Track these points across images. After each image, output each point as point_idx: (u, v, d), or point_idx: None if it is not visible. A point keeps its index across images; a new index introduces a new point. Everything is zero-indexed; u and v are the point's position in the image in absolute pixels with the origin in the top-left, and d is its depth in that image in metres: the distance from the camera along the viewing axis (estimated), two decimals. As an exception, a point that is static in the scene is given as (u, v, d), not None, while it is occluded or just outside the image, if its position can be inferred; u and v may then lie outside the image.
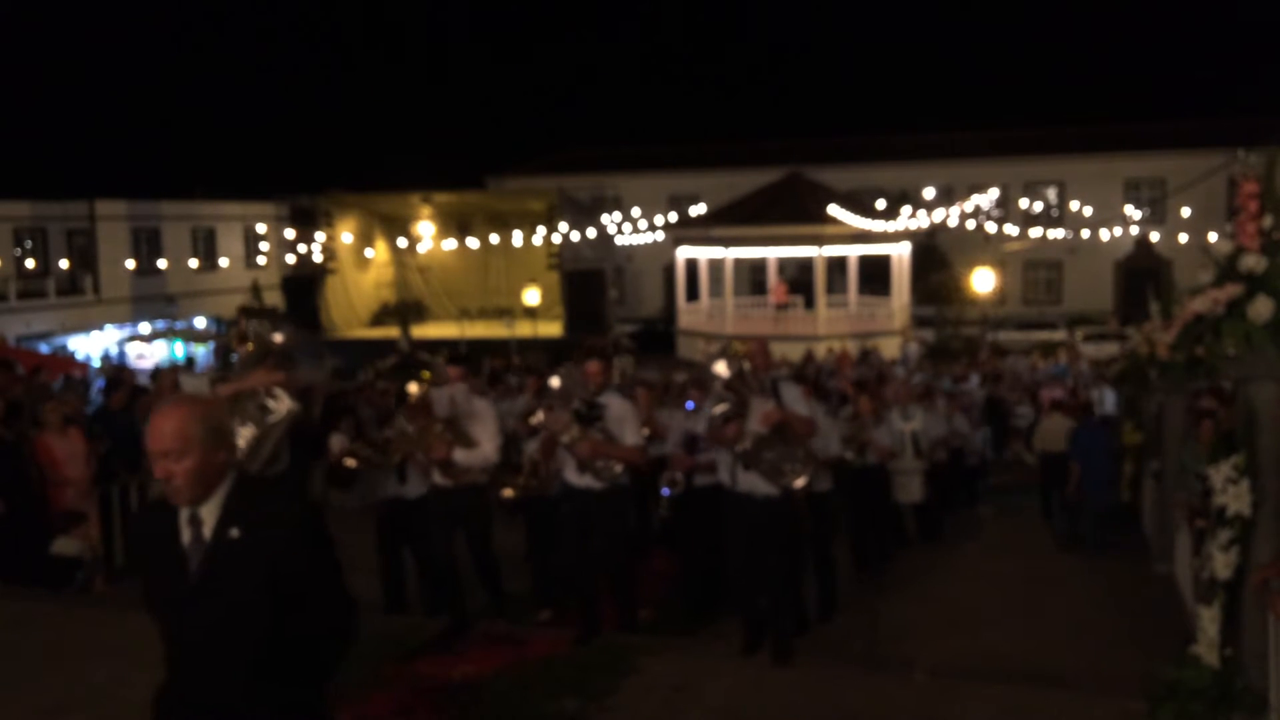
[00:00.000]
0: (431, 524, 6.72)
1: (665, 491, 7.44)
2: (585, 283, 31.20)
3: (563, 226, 30.62)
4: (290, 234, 34.75)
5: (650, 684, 5.56)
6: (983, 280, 32.11)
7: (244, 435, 5.33)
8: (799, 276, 33.91)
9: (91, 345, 31.84)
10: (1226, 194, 34.00)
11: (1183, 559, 7.79)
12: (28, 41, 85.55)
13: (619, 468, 6.34)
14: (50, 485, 8.54)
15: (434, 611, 7.00)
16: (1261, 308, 3.98)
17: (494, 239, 31.25)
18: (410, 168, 59.27)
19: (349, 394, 12.73)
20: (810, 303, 31.09)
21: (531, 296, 30.67)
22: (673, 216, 35.01)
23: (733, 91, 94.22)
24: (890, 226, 30.00)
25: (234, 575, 2.70)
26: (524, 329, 28.83)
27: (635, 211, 34.30)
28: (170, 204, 37.87)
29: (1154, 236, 35.60)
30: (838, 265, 31.95)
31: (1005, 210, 36.04)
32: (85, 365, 22.53)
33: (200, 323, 36.50)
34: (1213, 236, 27.00)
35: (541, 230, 30.33)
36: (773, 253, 32.66)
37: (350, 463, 6.95)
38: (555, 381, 6.71)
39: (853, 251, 30.41)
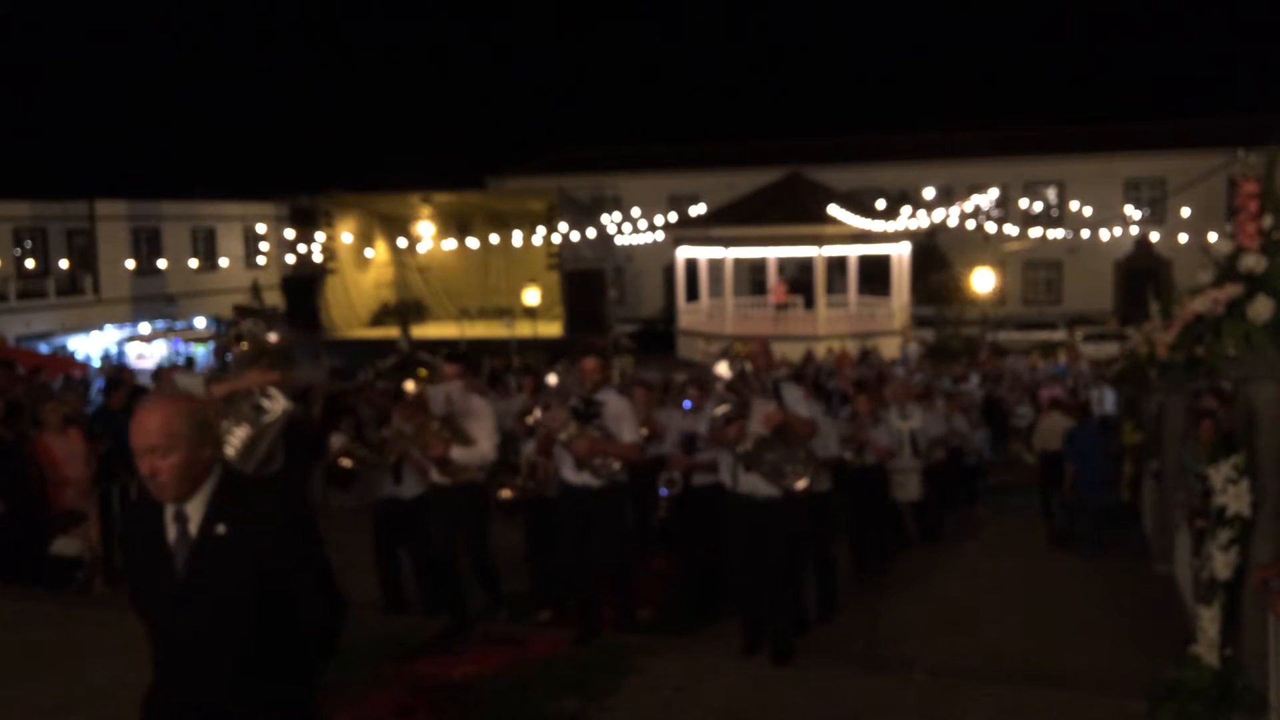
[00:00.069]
0: (430, 523, 6.72)
1: (663, 492, 7.44)
2: (585, 283, 31.18)
3: (563, 226, 30.61)
4: (290, 234, 34.72)
5: (650, 684, 5.56)
6: (983, 280, 32.12)
7: (238, 435, 5.31)
8: (799, 276, 33.93)
9: (91, 345, 31.85)
10: (1226, 194, 34.00)
11: (1183, 559, 7.79)
12: (28, 41, 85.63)
13: (617, 465, 6.34)
14: (50, 485, 8.54)
15: (434, 611, 7.00)
16: (1261, 308, 3.97)
17: (494, 239, 31.25)
18: (410, 168, 59.24)
19: (349, 394, 12.74)
20: (810, 303, 31.10)
21: (531, 296, 30.66)
22: (673, 216, 35.02)
23: (733, 91, 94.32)
24: (890, 226, 30.01)
25: (220, 572, 2.67)
26: (524, 329, 28.82)
27: (635, 211, 34.30)
28: (170, 204, 37.89)
29: (1154, 236, 35.62)
30: (838, 265, 31.96)
31: (1005, 210, 36.06)
32: (85, 365, 22.53)
33: (200, 323, 36.52)
34: (1213, 236, 26.99)
35: (541, 230, 30.32)
36: (773, 253, 32.67)
37: (346, 463, 6.95)
38: (552, 379, 6.72)
39: (853, 251, 30.41)
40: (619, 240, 34.59)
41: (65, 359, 24.48)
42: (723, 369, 6.11)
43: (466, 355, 8.31)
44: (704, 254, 32.18)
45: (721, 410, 6.06)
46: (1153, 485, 9.94)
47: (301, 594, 2.72)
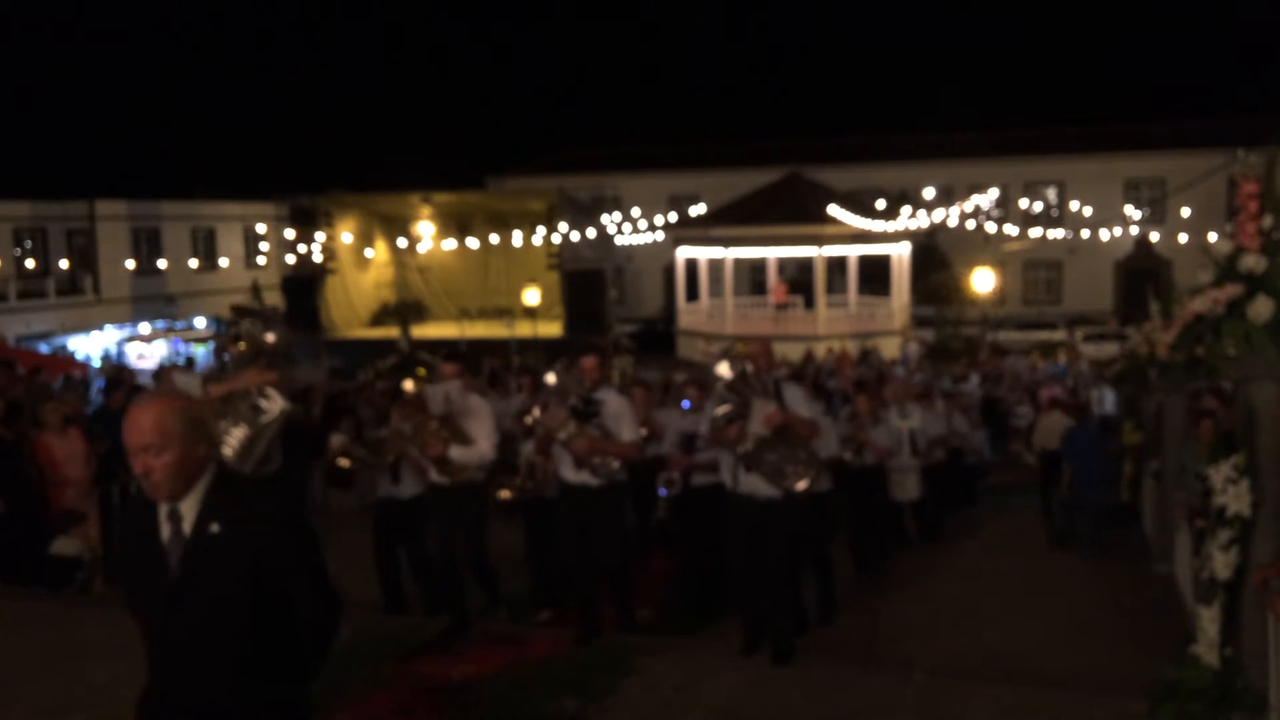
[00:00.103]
0: (430, 523, 6.72)
1: (662, 492, 7.43)
2: (585, 283, 31.17)
3: (562, 226, 30.60)
4: (290, 234, 34.69)
5: (650, 684, 5.56)
6: (982, 280, 32.12)
7: (236, 435, 5.31)
8: (799, 276, 33.93)
9: (91, 345, 31.86)
10: (1226, 194, 34.01)
11: (1183, 559, 7.79)
12: (28, 41, 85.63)
13: (616, 465, 6.34)
14: (50, 485, 8.54)
15: (434, 611, 7.00)
16: (1261, 308, 3.97)
17: (494, 239, 31.24)
18: (410, 168, 59.26)
19: (348, 394, 12.75)
20: (810, 303, 31.10)
21: (531, 296, 30.66)
22: (673, 216, 35.02)
23: (733, 91, 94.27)
24: (890, 226, 30.01)
25: (215, 571, 2.66)
26: (524, 329, 28.80)
27: (635, 211, 34.30)
28: (170, 204, 37.89)
29: (1154, 236, 35.62)
30: (838, 265, 31.96)
31: (1005, 210, 36.06)
32: (85, 365, 22.54)
33: (200, 323, 36.52)
34: (1213, 236, 26.99)
35: (541, 230, 30.31)
36: (773, 253, 32.66)
37: (344, 463, 6.95)
38: (551, 378, 6.72)
39: (852, 251, 30.41)
40: (619, 240, 34.58)
41: (65, 359, 24.48)
42: (724, 369, 6.11)
43: (465, 355, 8.30)
44: (704, 254, 32.17)
45: (722, 410, 6.06)
46: (1153, 485, 9.94)
47: (298, 594, 2.71)
